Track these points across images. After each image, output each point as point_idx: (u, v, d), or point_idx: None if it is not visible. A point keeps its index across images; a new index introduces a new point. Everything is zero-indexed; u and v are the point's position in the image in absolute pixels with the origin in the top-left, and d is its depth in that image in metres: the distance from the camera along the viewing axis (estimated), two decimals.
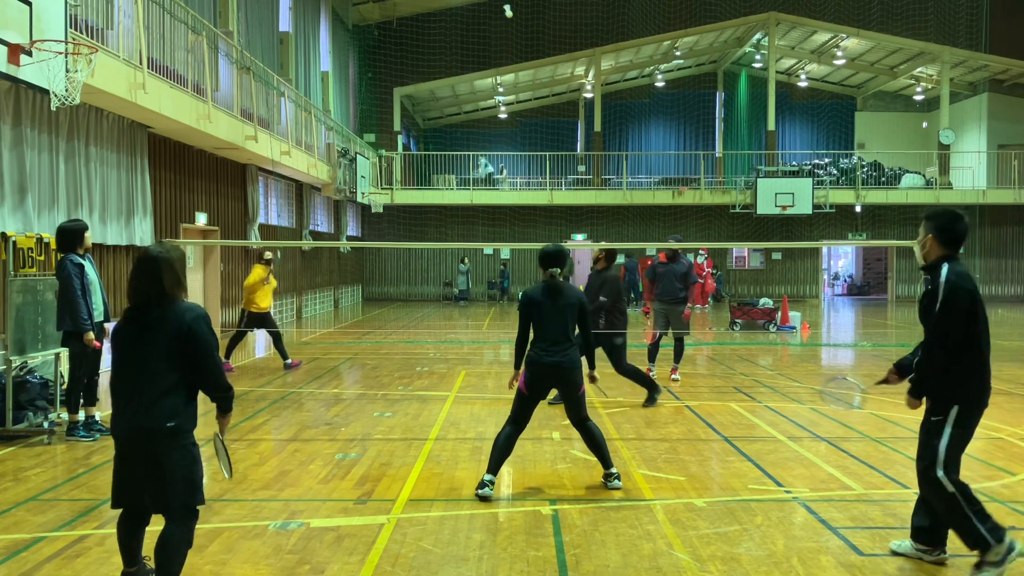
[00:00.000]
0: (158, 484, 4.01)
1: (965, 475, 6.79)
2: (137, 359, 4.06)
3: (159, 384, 4.01)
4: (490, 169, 31.22)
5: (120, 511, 4.20)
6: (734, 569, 4.75)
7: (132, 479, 4.06)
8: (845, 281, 36.58)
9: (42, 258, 9.14)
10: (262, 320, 12.81)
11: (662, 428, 8.60)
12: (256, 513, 5.77)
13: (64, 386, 8.27)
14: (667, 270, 11.61)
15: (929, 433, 4.68)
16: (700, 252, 25.49)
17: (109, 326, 8.39)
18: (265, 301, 12.71)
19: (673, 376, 11.81)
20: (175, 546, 4.02)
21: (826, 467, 6.98)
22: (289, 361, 12.85)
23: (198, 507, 4.14)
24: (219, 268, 17.00)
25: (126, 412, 4.04)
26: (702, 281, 22.41)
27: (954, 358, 4.56)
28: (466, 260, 31.81)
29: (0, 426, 7.97)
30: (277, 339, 12.97)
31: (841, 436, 8.20)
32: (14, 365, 8.24)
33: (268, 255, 13.01)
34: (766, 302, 20.11)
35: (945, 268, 4.61)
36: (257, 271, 12.75)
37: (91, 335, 7.85)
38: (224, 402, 4.24)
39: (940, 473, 4.58)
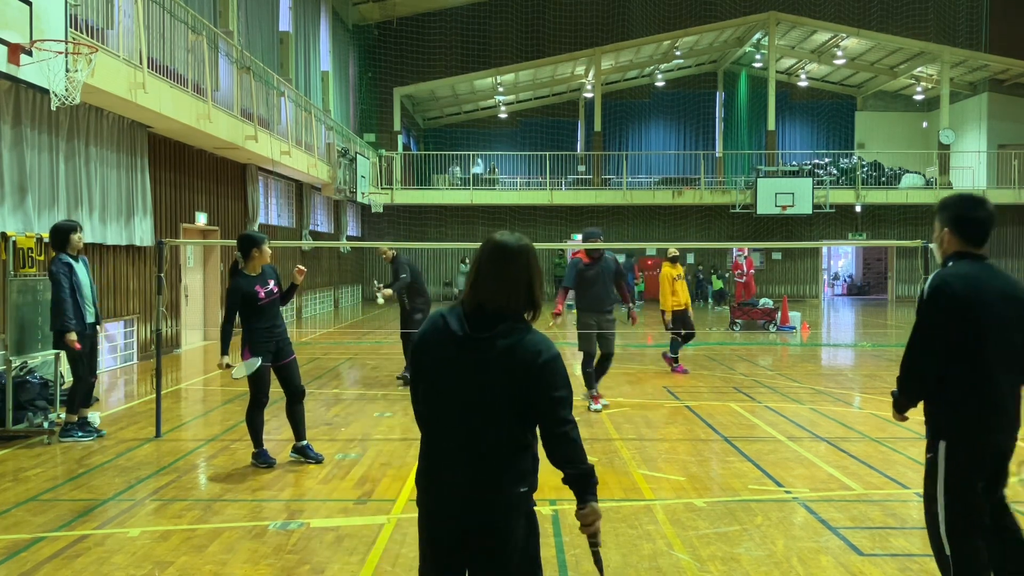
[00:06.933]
0: (491, 563, 2.87)
1: None
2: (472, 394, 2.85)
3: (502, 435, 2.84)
4: (478, 169, 31.21)
5: None
6: (734, 569, 4.75)
7: (451, 560, 2.89)
8: (845, 281, 36.58)
9: (42, 258, 9.14)
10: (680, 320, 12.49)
11: (662, 428, 8.59)
12: (256, 513, 5.77)
13: (64, 386, 8.27)
14: (596, 272, 9.35)
15: (927, 475, 3.76)
16: (738, 251, 25.30)
17: (109, 326, 8.40)
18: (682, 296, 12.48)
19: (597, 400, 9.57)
20: None
21: (826, 467, 6.98)
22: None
23: None
24: (219, 268, 17.00)
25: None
26: (742, 280, 22.20)
27: (933, 377, 3.68)
28: (466, 260, 31.80)
29: (0, 426, 7.97)
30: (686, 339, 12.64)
31: (841, 436, 8.20)
32: (14, 365, 8.24)
33: (672, 252, 12.72)
34: (766, 302, 20.11)
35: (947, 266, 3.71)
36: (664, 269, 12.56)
37: (73, 336, 7.76)
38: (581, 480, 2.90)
39: (942, 531, 3.64)
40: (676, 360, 12.63)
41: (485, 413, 2.81)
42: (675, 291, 12.37)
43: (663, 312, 12.52)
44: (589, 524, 2.94)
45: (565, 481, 2.90)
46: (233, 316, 6.96)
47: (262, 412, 7.12)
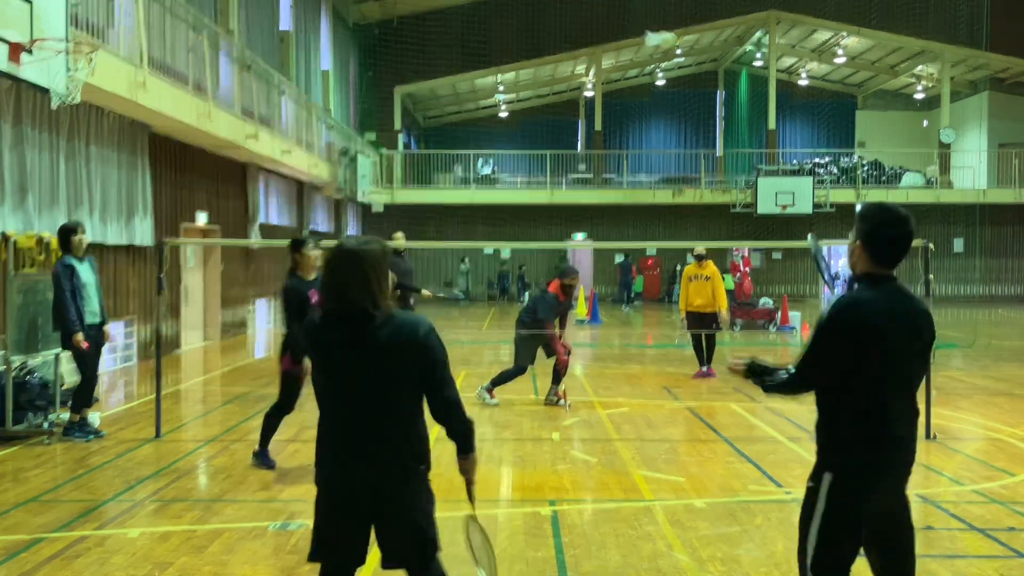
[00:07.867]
0: (394, 536, 3.17)
1: (963, 475, 6.79)
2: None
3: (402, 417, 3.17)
4: (487, 170, 31.32)
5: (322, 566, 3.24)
6: (734, 570, 4.75)
7: (353, 535, 3.16)
8: (845, 281, 36.59)
9: (42, 258, 9.13)
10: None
11: (662, 428, 8.59)
12: (256, 514, 5.77)
13: (64, 387, 8.26)
14: (564, 309, 10.07)
15: (805, 502, 3.35)
16: (734, 251, 25.21)
17: (108, 328, 8.38)
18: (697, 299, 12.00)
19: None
20: None
21: None
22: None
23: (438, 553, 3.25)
24: (219, 268, 17.00)
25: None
26: (738, 281, 22.18)
27: (824, 408, 3.31)
28: (466, 260, 31.80)
29: (0, 426, 7.97)
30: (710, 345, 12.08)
31: None
32: (14, 365, 8.24)
33: (698, 251, 12.12)
34: (766, 302, 20.12)
35: (852, 289, 3.39)
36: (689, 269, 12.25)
37: (79, 336, 7.75)
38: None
39: (808, 564, 3.37)
40: (704, 364, 12.09)
41: (386, 401, 3.08)
42: (688, 291, 11.98)
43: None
44: (470, 471, 3.33)
45: (451, 435, 3.26)
46: (294, 319, 6.46)
47: (282, 418, 7.03)
